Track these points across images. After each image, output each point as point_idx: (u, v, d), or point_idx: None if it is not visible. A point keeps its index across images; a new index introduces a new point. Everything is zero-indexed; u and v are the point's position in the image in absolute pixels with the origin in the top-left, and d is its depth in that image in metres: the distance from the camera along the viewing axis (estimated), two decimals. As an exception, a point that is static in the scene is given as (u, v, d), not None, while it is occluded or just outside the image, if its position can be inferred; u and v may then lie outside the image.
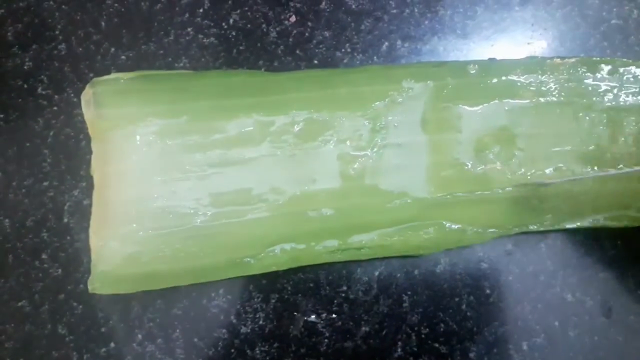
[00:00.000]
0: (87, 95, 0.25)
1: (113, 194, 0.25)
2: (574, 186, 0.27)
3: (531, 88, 0.27)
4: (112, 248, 0.25)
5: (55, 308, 0.26)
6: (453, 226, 0.26)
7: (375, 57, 0.29)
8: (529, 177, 0.27)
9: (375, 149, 0.26)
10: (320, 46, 0.29)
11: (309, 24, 0.29)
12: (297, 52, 0.29)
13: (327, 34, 0.29)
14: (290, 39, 0.29)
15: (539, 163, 0.27)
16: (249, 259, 0.25)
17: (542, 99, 0.27)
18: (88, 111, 0.25)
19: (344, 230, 0.26)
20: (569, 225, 0.27)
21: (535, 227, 0.26)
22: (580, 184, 0.27)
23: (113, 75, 0.26)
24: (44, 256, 0.27)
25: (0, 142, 0.28)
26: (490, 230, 0.26)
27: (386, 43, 0.29)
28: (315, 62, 0.29)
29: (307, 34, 0.29)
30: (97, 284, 0.24)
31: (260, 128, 0.26)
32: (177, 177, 0.25)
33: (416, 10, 0.29)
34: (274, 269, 0.26)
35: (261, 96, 0.26)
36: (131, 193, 0.25)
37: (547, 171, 0.27)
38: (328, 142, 0.26)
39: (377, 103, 0.26)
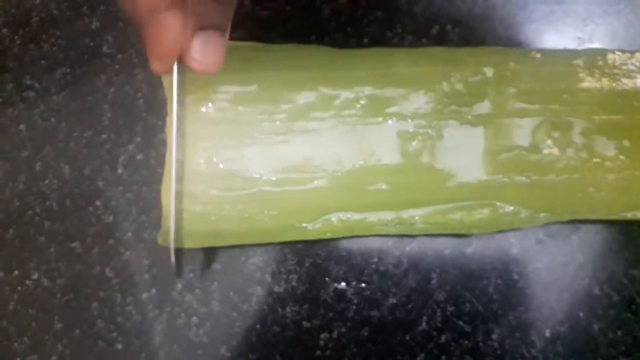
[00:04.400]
0: None
1: (185, 154, 0.27)
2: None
3: (593, 77, 0.27)
4: (183, 206, 0.26)
5: (105, 252, 0.28)
6: (507, 208, 0.27)
7: (424, 40, 0.29)
8: (586, 166, 0.27)
9: (436, 128, 0.27)
10: (372, 25, 0.30)
11: (362, 2, 0.30)
12: (348, 29, 0.30)
13: (379, 13, 0.30)
14: (343, 17, 0.30)
15: (597, 152, 0.27)
16: (306, 225, 0.27)
17: (604, 90, 0.27)
18: (166, 76, 0.27)
19: (398, 205, 0.27)
20: (622, 216, 0.27)
21: (589, 215, 0.27)
22: None
23: None
24: (97, 203, 0.28)
25: (66, 95, 0.30)
26: (543, 214, 0.27)
27: (436, 27, 0.30)
28: (365, 40, 0.30)
29: (359, 13, 0.30)
30: (166, 238, 0.26)
31: (325, 101, 0.27)
32: (245, 143, 0.27)
33: (469, -4, 0.30)
34: (328, 235, 0.27)
35: (327, 70, 0.27)
36: (202, 155, 0.27)
37: (606, 160, 0.27)
38: (389, 118, 0.27)
39: (440, 83, 0.27)
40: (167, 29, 0.19)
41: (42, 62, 0.30)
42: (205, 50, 0.21)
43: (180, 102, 0.27)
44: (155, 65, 0.20)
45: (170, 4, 0.18)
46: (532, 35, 0.30)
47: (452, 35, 0.29)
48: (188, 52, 0.20)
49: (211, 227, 0.26)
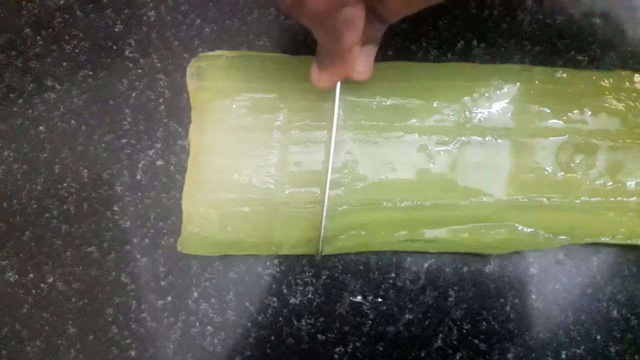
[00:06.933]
0: (192, 67, 0.27)
1: (206, 161, 0.27)
2: None
3: (620, 100, 0.27)
4: (202, 213, 0.26)
5: (121, 257, 0.28)
6: (525, 229, 0.26)
7: (449, 54, 0.29)
8: (608, 189, 0.27)
9: (457, 145, 0.27)
10: (396, 38, 0.29)
11: (388, 15, 0.30)
12: (373, 42, 0.29)
13: (404, 26, 0.30)
14: (368, 29, 0.30)
15: (620, 176, 0.27)
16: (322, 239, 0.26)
17: (630, 113, 0.27)
18: (191, 82, 0.27)
19: (417, 223, 0.26)
20: None
21: (608, 239, 0.26)
22: None
23: (217, 52, 0.28)
24: (115, 208, 0.28)
25: (87, 98, 0.29)
26: (561, 237, 0.26)
27: (462, 42, 0.29)
28: (390, 53, 0.29)
29: (384, 25, 0.30)
30: (185, 244, 0.26)
31: (347, 112, 0.27)
32: (263, 152, 0.27)
33: (495, 12, 0.30)
34: (344, 251, 0.27)
35: (349, 82, 0.27)
36: (222, 163, 0.27)
37: (628, 184, 0.27)
38: (411, 132, 0.27)
39: (465, 98, 0.27)
40: (354, 33, 0.20)
41: (64, 63, 0.30)
42: (366, 62, 0.24)
43: (205, 110, 0.27)
44: (329, 80, 0.23)
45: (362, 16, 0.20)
46: (560, 52, 0.29)
47: (477, 51, 0.29)
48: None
49: (229, 236, 0.26)
